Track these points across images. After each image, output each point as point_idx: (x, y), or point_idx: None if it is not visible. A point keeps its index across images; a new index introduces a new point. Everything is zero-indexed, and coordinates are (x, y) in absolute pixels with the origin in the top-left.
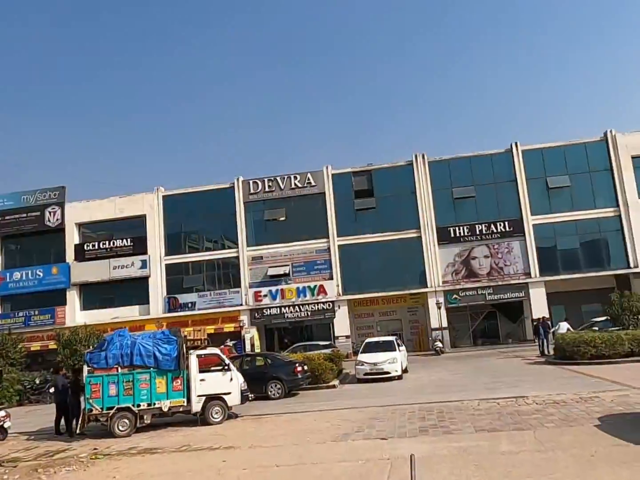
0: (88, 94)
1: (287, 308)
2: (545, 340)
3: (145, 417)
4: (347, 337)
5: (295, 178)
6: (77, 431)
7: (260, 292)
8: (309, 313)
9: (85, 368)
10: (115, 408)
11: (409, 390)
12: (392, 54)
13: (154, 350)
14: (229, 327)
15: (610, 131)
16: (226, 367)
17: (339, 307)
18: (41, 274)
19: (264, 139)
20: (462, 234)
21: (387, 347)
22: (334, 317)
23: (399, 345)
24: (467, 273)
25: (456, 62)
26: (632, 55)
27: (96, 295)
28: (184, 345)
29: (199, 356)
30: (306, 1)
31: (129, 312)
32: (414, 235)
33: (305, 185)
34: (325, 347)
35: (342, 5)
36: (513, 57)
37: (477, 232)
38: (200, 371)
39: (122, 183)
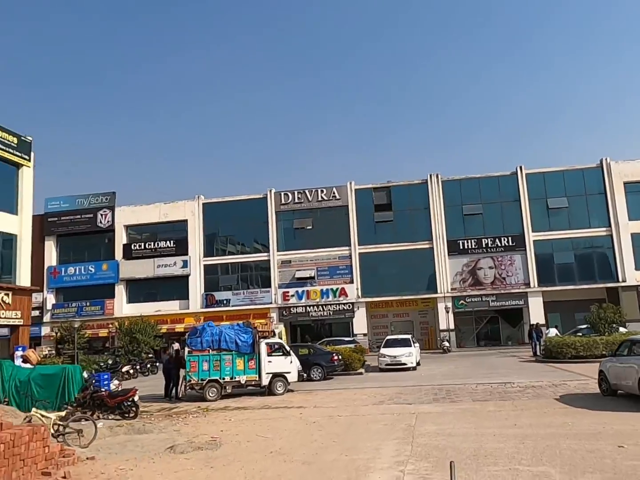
0: (132, 108)
1: (311, 307)
2: (537, 343)
3: (227, 387)
4: (364, 334)
5: (322, 191)
6: (179, 395)
7: (288, 292)
8: (331, 312)
9: (186, 349)
10: (207, 379)
11: (423, 377)
12: (414, 75)
13: (235, 338)
14: (259, 323)
15: (606, 159)
16: (287, 353)
17: (358, 308)
18: (93, 270)
19: (291, 151)
20: (469, 247)
21: (405, 343)
22: (353, 317)
23: (413, 342)
24: (473, 281)
25: (469, 90)
26: (631, 88)
27: (141, 290)
28: (257, 335)
29: (267, 344)
30: (329, 13)
31: (171, 306)
32: (427, 246)
33: (331, 198)
34: (349, 342)
35: (366, 23)
36: (523, 85)
37: (483, 246)
38: (268, 355)
39: (164, 191)
